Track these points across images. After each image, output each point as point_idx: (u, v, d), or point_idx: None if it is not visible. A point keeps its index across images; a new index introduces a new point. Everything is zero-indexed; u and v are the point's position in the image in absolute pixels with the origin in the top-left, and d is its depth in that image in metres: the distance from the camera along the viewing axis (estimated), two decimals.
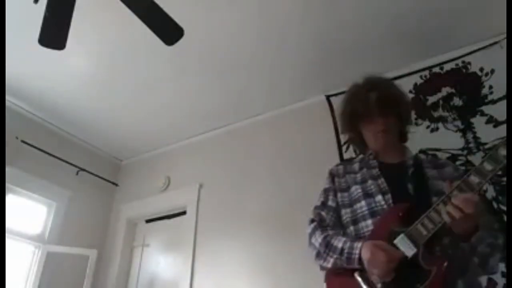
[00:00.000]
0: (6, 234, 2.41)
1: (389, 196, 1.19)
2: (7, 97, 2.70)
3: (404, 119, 1.37)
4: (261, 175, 2.65)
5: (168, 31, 1.79)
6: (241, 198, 2.65)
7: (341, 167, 1.44)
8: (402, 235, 1.06)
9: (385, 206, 1.18)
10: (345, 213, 1.29)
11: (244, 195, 2.65)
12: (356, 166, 1.40)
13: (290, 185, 2.47)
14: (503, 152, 0.96)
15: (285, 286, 2.19)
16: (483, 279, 1.49)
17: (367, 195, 1.24)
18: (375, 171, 1.29)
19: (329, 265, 1.21)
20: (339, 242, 1.19)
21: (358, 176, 1.33)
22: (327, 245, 1.21)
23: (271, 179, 2.58)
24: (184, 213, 2.92)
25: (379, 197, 1.20)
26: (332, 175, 1.43)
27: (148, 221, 3.19)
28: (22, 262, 2.61)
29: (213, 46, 2.29)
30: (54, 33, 1.74)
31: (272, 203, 2.48)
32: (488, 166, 0.97)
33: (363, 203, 1.23)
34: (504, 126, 1.88)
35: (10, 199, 2.63)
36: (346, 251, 1.16)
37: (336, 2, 2.00)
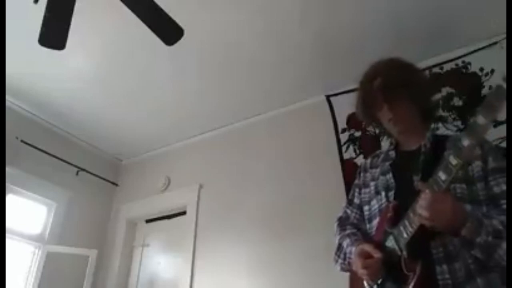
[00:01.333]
0: (6, 234, 2.41)
1: (392, 192, 1.14)
2: (7, 97, 2.70)
3: (419, 98, 1.21)
4: (261, 175, 2.65)
5: (168, 31, 1.79)
6: (241, 198, 2.65)
7: (369, 160, 1.37)
8: (390, 237, 1.04)
9: (386, 204, 1.14)
10: (365, 210, 1.26)
11: (244, 195, 2.65)
12: (380, 158, 1.32)
13: (290, 185, 2.47)
14: (465, 142, 0.83)
15: (285, 286, 2.19)
16: None
17: (377, 192, 1.21)
18: (387, 165, 1.23)
19: (338, 268, 1.23)
20: (346, 245, 1.20)
21: (377, 171, 1.27)
22: (339, 247, 1.24)
23: (271, 179, 2.58)
24: (184, 213, 2.92)
25: (383, 194, 1.17)
26: (359, 170, 1.37)
27: (148, 221, 3.20)
28: (22, 262, 2.61)
29: (213, 46, 2.29)
30: (54, 33, 1.74)
31: (272, 203, 2.48)
32: (453, 160, 0.85)
33: (374, 200, 1.21)
34: (504, 126, 1.88)
35: (10, 199, 2.63)
36: (347, 255, 1.18)
37: (336, 2, 2.00)
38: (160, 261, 2.95)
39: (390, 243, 1.04)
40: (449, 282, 0.93)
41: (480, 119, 0.82)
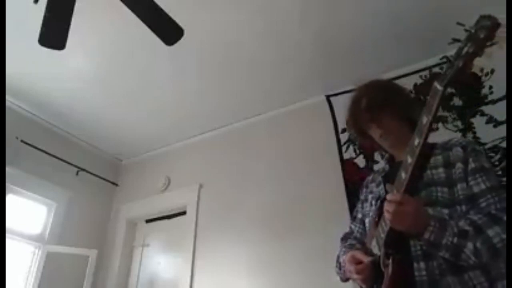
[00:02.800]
0: (6, 234, 2.41)
1: (379, 200, 1.19)
2: (7, 97, 2.70)
3: (405, 113, 1.25)
4: (261, 175, 2.65)
5: (168, 31, 1.79)
6: (241, 198, 2.65)
7: (370, 177, 1.42)
8: (374, 240, 1.08)
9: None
10: (366, 223, 1.31)
11: (244, 195, 2.65)
12: (379, 173, 1.38)
13: (290, 185, 2.47)
14: (415, 141, 0.90)
15: (285, 286, 2.19)
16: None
17: (371, 204, 1.27)
18: (379, 178, 1.30)
19: (338, 278, 1.28)
20: (341, 254, 1.26)
21: (374, 185, 1.34)
22: (337, 259, 1.29)
23: (271, 179, 2.58)
24: (184, 213, 2.92)
25: (373, 204, 1.23)
26: (362, 186, 1.42)
27: (148, 221, 3.20)
28: (22, 262, 2.61)
29: (213, 46, 2.29)
30: (54, 33, 1.74)
31: (272, 203, 2.48)
32: (409, 159, 0.92)
33: (371, 212, 1.26)
34: (504, 126, 1.88)
35: (10, 199, 2.63)
36: (342, 264, 1.23)
37: (336, 2, 2.00)
38: (160, 261, 2.95)
39: (375, 245, 1.08)
40: (425, 279, 0.95)
41: (424, 119, 0.89)
